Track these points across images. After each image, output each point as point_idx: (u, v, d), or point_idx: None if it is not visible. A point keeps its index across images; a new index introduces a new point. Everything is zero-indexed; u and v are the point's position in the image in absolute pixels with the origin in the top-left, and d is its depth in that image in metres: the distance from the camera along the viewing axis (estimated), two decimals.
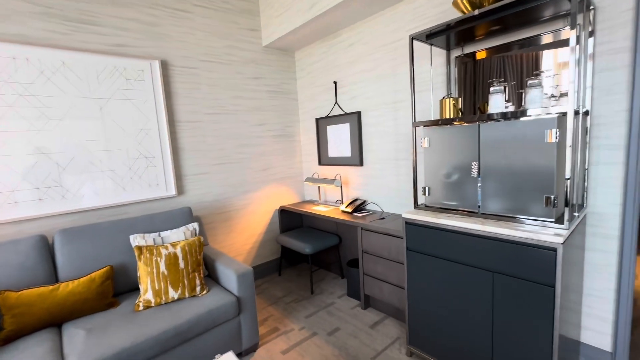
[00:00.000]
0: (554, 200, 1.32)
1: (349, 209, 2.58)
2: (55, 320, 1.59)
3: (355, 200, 2.68)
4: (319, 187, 3.14)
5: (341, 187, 2.90)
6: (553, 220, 1.32)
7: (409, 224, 1.70)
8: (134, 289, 1.98)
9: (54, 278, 1.74)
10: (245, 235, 2.92)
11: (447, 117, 1.74)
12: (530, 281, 1.30)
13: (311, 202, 3.20)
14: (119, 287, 1.89)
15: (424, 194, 1.78)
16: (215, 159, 2.68)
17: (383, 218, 2.37)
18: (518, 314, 1.35)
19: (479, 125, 1.51)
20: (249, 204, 2.92)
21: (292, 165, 3.27)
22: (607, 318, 1.60)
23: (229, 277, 1.91)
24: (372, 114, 2.59)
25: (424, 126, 1.73)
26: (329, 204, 3.01)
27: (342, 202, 2.92)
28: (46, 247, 1.75)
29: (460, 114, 1.78)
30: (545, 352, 1.30)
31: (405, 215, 1.72)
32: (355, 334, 2.07)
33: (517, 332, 1.37)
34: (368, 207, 2.74)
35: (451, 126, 1.62)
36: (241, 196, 2.87)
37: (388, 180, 2.55)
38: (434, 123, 1.70)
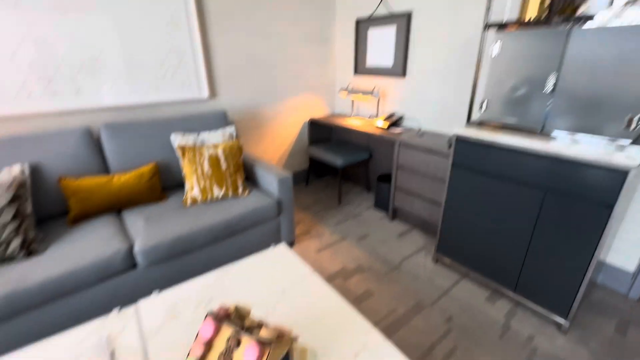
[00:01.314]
0: (638, 121, 1.20)
1: (385, 124, 2.49)
2: (114, 206, 1.72)
3: (392, 115, 2.57)
4: (352, 99, 2.98)
5: (378, 100, 2.75)
6: (630, 141, 1.23)
7: (461, 140, 1.64)
8: (178, 185, 2.07)
9: (106, 171, 1.82)
10: (275, 145, 2.92)
11: (529, 18, 1.49)
12: (586, 203, 1.29)
13: (342, 115, 3.08)
14: (164, 183, 1.98)
15: (480, 109, 1.66)
16: (247, 61, 2.49)
17: (422, 135, 2.29)
18: (561, 234, 1.38)
19: (568, 32, 1.30)
20: (279, 113, 2.84)
21: (325, 74, 3.05)
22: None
23: (269, 181, 1.96)
24: (425, 16, 2.27)
25: (498, 28, 1.50)
26: (362, 117, 2.91)
27: (376, 117, 2.81)
28: (93, 140, 1.77)
29: (547, 14, 1.51)
30: (578, 272, 1.36)
31: (457, 131, 1.63)
32: (384, 241, 2.22)
33: (554, 251, 1.42)
34: (405, 123, 2.63)
35: (532, 30, 1.40)
36: (271, 104, 2.76)
37: (431, 95, 2.38)
38: (517, 24, 1.47)
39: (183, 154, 1.85)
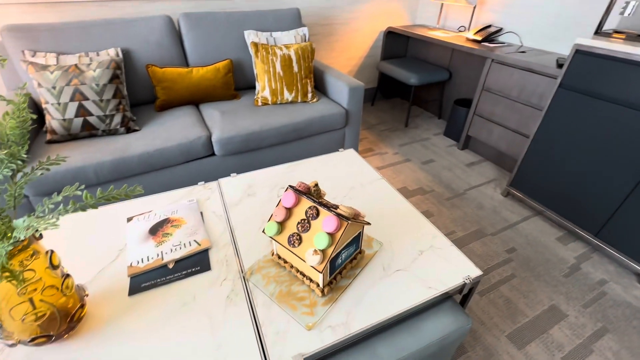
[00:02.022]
0: None
1: (478, 37, 2.12)
2: (193, 99, 1.81)
3: (488, 26, 2.16)
4: (442, 5, 2.55)
5: (474, 7, 2.31)
6: None
7: (582, 54, 1.33)
8: (250, 87, 2.09)
9: (185, 62, 1.88)
10: (345, 56, 2.72)
11: None
12: None
13: (425, 26, 2.69)
14: (236, 83, 2.01)
15: (622, 12, 1.29)
16: None
17: (523, 52, 1.92)
18: None
19: None
20: (355, 18, 2.56)
21: None
22: None
23: (339, 89, 1.87)
24: None
25: None
26: (448, 30, 2.51)
27: (467, 30, 2.41)
28: (174, 29, 1.80)
29: None
30: None
31: (579, 41, 1.32)
32: (450, 168, 2.10)
33: None
34: (503, 37, 2.22)
35: None
36: (348, 7, 2.48)
37: (545, 1, 1.91)
38: None
39: (256, 52, 1.81)
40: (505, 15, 2.16)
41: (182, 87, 1.75)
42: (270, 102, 1.86)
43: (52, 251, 0.60)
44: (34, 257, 0.56)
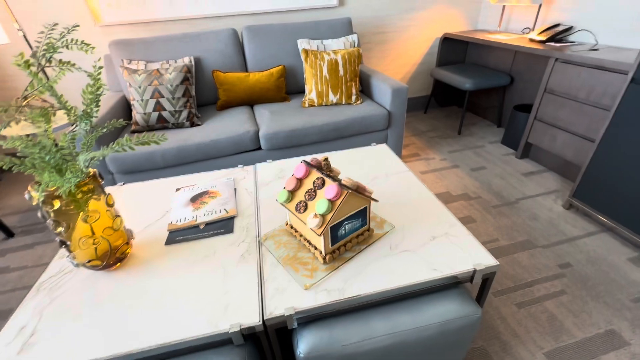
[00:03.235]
0: None
1: (542, 37, 1.96)
2: (249, 100, 2.03)
3: (556, 26, 1.99)
4: (503, 7, 2.42)
5: (540, 6, 2.15)
6: None
7: None
8: (299, 92, 2.25)
9: (245, 68, 2.11)
10: (398, 64, 2.74)
11: None
12: None
13: (485, 31, 2.58)
14: (288, 88, 2.18)
15: None
16: None
17: (596, 49, 1.72)
18: None
19: None
20: (409, 26, 2.58)
21: None
22: None
23: (383, 91, 1.91)
24: None
25: None
26: (511, 33, 2.37)
27: (532, 30, 2.24)
28: (238, 40, 2.05)
29: None
30: None
31: None
32: (503, 176, 1.94)
33: None
34: (574, 36, 2.01)
35: None
36: (403, 15, 2.52)
37: None
38: None
39: (306, 58, 1.96)
40: (575, 12, 1.96)
41: (240, 89, 1.97)
42: (316, 104, 1.97)
43: (108, 194, 0.77)
44: (95, 196, 0.72)
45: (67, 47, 0.70)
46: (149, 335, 0.65)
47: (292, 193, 0.81)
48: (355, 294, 0.70)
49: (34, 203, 0.69)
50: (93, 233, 0.74)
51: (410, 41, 2.66)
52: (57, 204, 0.68)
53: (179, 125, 1.77)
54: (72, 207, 0.70)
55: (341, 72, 1.91)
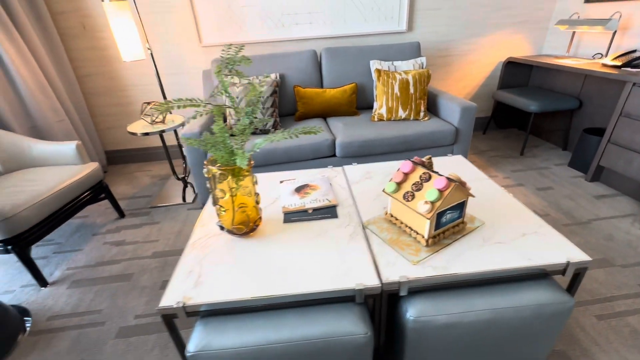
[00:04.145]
0: None
1: (618, 62, 1.98)
2: (323, 113, 2.25)
3: (633, 51, 2.00)
4: (573, 33, 2.46)
5: (614, 32, 2.17)
6: None
7: None
8: (368, 107, 2.43)
9: (321, 84, 2.35)
10: (459, 86, 2.85)
11: None
12: None
13: (552, 55, 2.61)
14: (357, 103, 2.38)
15: None
16: None
17: None
18: None
19: None
20: (472, 50, 2.70)
21: (540, 5, 2.60)
22: None
23: (451, 109, 2.02)
24: None
25: None
26: (580, 58, 2.39)
27: (605, 56, 2.25)
28: (317, 60, 2.31)
29: None
30: None
31: None
32: (572, 197, 1.93)
33: None
34: None
35: None
36: (466, 40, 2.65)
37: None
38: None
39: (378, 77, 2.14)
40: None
41: (316, 103, 2.20)
42: (385, 119, 2.14)
43: (255, 175, 0.97)
44: (248, 175, 0.93)
45: (240, 63, 0.93)
46: (287, 286, 0.81)
47: (398, 185, 0.96)
48: (458, 271, 0.82)
49: (208, 175, 0.91)
50: (233, 207, 0.93)
51: (473, 64, 2.77)
52: (223, 178, 0.89)
53: (265, 132, 2.02)
54: (232, 182, 0.90)
55: (411, 90, 2.07)
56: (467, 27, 2.60)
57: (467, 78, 2.83)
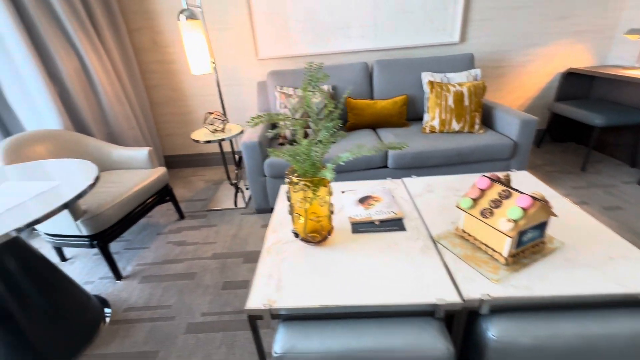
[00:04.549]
0: None
1: None
2: (373, 124, 2.27)
3: None
4: None
5: None
6: None
7: None
8: (416, 119, 2.42)
9: (371, 96, 2.39)
10: (512, 97, 2.75)
11: None
12: None
13: (619, 66, 2.46)
14: (407, 114, 2.37)
15: None
16: (506, 1, 2.39)
17: None
18: None
19: None
20: (528, 61, 2.61)
21: (604, 14, 2.47)
22: None
23: (509, 123, 1.96)
24: None
25: None
26: None
27: None
28: (368, 71, 2.34)
29: None
30: None
31: None
32: None
33: None
34: None
35: None
36: (522, 51, 2.57)
37: None
38: None
39: (431, 89, 2.14)
40: None
41: (367, 114, 2.23)
42: (437, 130, 2.12)
43: (330, 186, 1.01)
44: (324, 187, 0.97)
45: (322, 79, 0.98)
46: (366, 295, 0.83)
47: (474, 201, 0.96)
48: (543, 294, 0.80)
49: (290, 185, 0.96)
50: (305, 217, 0.98)
51: (528, 75, 2.67)
52: (301, 188, 0.93)
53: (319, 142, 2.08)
54: (309, 191, 0.95)
55: (466, 102, 2.04)
56: (523, 38, 2.52)
57: (520, 89, 2.73)
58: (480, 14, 2.42)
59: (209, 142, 2.02)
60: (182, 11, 1.82)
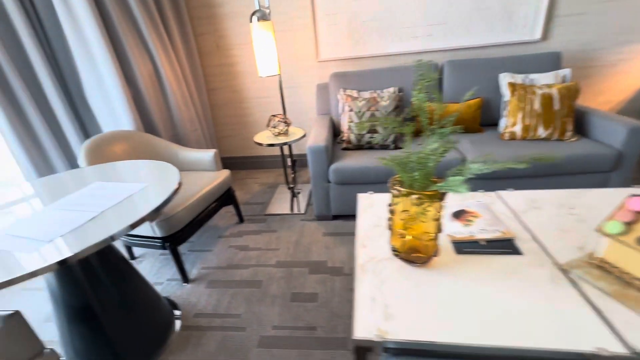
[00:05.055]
0: None
1: None
2: None
3: None
4: None
5: None
6: None
7: None
8: (491, 124, 2.21)
9: (440, 99, 2.22)
10: (599, 100, 2.44)
11: None
12: None
13: None
14: (481, 119, 2.18)
15: None
16: None
17: None
18: None
19: None
20: (623, 60, 2.29)
21: None
22: None
23: (611, 129, 1.71)
24: None
25: None
26: None
27: None
28: (437, 72, 2.18)
29: None
30: None
31: None
32: None
33: None
34: None
35: None
36: (616, 48, 2.26)
37: None
38: None
39: (512, 91, 1.93)
40: None
41: (436, 118, 2.07)
42: (518, 137, 1.90)
43: (442, 201, 0.89)
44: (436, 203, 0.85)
45: (431, 80, 0.86)
46: (493, 334, 0.70)
47: (628, 225, 0.78)
48: None
49: (394, 195, 0.85)
50: (408, 234, 0.86)
51: (621, 76, 2.34)
52: (409, 201, 0.82)
53: (384, 147, 1.96)
54: (423, 206, 0.83)
55: (556, 106, 1.81)
56: (619, 34, 2.22)
57: (610, 92, 2.41)
58: (569, 8, 2.16)
59: (271, 145, 1.98)
60: (254, 12, 1.80)
